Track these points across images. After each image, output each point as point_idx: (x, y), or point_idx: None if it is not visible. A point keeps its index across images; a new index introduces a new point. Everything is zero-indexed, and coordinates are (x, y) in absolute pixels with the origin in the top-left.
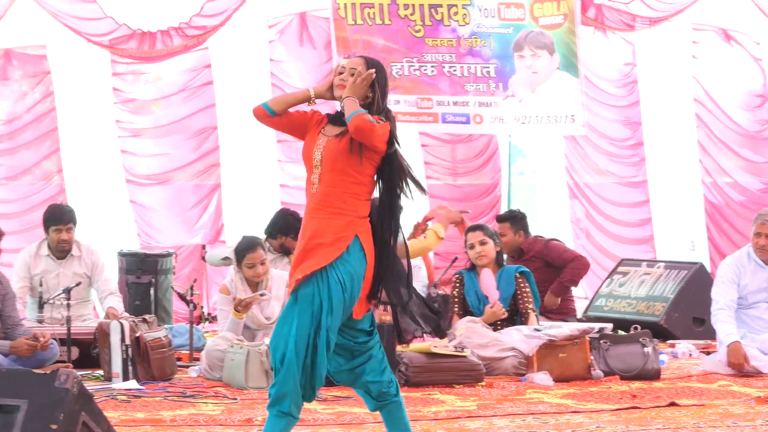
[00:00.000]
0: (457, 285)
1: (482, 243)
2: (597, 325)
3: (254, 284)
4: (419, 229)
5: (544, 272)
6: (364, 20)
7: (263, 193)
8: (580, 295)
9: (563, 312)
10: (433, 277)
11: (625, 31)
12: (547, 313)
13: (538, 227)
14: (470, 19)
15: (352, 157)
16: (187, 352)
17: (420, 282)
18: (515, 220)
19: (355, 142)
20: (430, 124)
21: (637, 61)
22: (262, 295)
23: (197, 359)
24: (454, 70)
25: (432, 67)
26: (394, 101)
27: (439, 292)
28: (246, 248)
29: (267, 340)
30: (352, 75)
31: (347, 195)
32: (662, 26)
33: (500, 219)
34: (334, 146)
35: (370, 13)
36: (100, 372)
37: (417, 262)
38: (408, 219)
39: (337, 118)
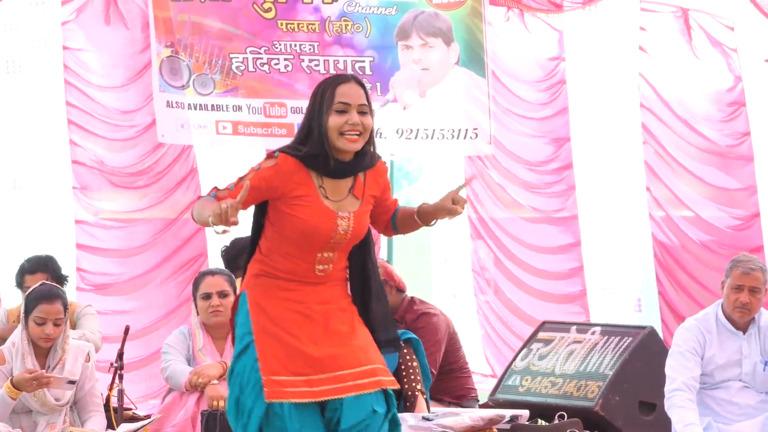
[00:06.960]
0: None
1: None
2: (508, 412)
3: (42, 350)
4: None
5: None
6: None
7: None
8: (486, 371)
9: (460, 394)
10: None
11: (551, 12)
12: (439, 395)
13: (429, 278)
14: None
15: None
16: None
17: None
18: None
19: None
20: (282, 138)
21: (565, 54)
22: (70, 382)
23: None
24: (317, 65)
25: (286, 60)
26: (234, 107)
27: None
28: (39, 297)
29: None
30: (363, 114)
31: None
32: (599, 6)
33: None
34: (362, 221)
35: None
36: None
37: None
38: None
39: (336, 170)
